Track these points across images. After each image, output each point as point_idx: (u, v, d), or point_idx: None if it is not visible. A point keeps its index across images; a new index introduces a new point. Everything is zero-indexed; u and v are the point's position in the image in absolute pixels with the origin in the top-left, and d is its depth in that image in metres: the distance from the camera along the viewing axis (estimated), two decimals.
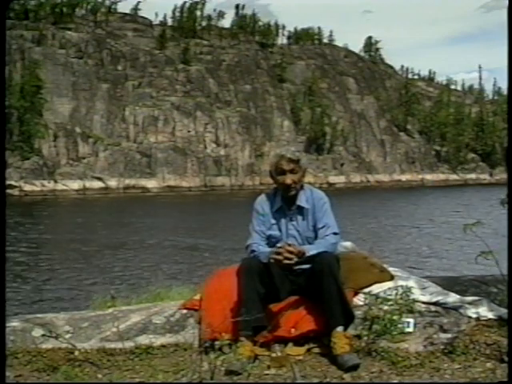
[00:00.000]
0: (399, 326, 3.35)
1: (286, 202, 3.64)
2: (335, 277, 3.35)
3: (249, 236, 3.66)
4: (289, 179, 3.56)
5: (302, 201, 3.62)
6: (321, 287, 3.34)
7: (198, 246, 20.46)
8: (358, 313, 3.46)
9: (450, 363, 3.12)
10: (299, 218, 3.62)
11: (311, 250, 3.41)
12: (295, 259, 3.33)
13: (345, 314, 3.33)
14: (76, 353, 3.41)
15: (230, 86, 66.59)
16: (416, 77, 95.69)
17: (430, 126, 79.63)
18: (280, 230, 3.63)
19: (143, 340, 3.54)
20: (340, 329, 3.30)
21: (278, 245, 3.39)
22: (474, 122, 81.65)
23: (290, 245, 3.36)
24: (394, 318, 3.36)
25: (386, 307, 3.42)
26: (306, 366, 3.19)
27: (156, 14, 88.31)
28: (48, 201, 43.64)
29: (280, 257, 3.31)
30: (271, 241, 3.61)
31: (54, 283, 14.17)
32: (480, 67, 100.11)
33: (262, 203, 3.69)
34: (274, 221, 3.63)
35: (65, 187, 51.34)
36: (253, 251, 3.54)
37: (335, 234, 3.57)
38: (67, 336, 3.60)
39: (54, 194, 48.81)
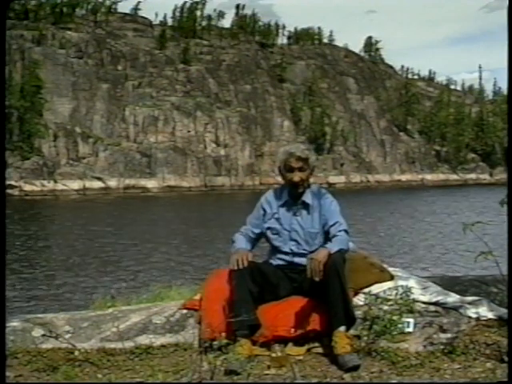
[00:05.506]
0: (399, 325, 3.35)
1: (292, 197, 3.70)
2: (340, 277, 3.34)
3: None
4: (297, 177, 3.61)
5: (307, 197, 3.67)
6: (325, 286, 3.34)
7: (198, 245, 20.47)
8: (358, 313, 3.46)
9: (449, 363, 3.12)
10: (304, 212, 3.67)
11: (334, 248, 3.41)
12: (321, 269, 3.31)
13: (347, 314, 3.33)
14: (76, 353, 3.40)
15: (230, 85, 66.59)
16: (416, 77, 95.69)
17: (430, 125, 79.66)
18: (283, 223, 3.67)
19: (143, 340, 3.54)
20: (342, 329, 3.30)
21: (306, 262, 3.36)
22: (474, 122, 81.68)
23: (318, 263, 3.31)
24: (394, 318, 3.36)
25: (385, 307, 3.42)
26: (306, 366, 3.19)
27: (156, 14, 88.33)
28: (48, 201, 43.64)
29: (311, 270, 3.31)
30: (271, 233, 3.68)
31: (54, 283, 14.17)
32: (480, 67, 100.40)
33: (268, 197, 3.76)
34: (278, 214, 3.69)
35: (65, 187, 51.32)
36: (233, 241, 3.71)
37: (345, 231, 3.61)
38: (67, 336, 3.60)
39: (54, 194, 48.80)
